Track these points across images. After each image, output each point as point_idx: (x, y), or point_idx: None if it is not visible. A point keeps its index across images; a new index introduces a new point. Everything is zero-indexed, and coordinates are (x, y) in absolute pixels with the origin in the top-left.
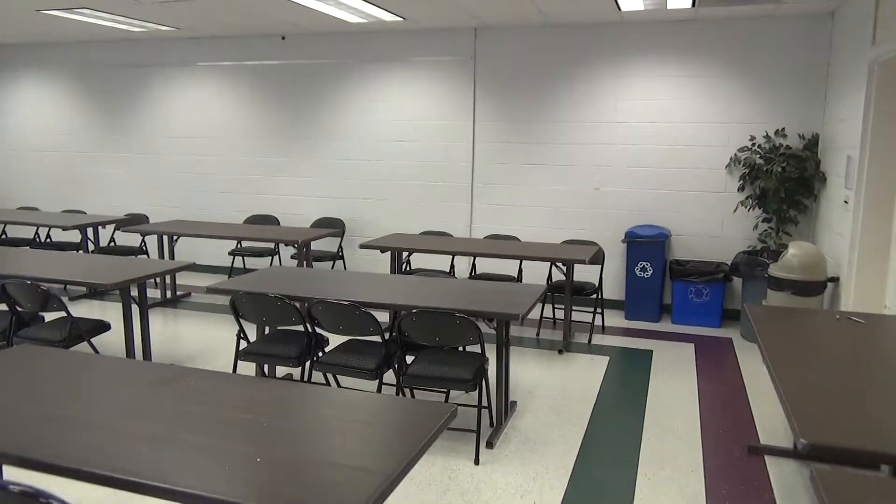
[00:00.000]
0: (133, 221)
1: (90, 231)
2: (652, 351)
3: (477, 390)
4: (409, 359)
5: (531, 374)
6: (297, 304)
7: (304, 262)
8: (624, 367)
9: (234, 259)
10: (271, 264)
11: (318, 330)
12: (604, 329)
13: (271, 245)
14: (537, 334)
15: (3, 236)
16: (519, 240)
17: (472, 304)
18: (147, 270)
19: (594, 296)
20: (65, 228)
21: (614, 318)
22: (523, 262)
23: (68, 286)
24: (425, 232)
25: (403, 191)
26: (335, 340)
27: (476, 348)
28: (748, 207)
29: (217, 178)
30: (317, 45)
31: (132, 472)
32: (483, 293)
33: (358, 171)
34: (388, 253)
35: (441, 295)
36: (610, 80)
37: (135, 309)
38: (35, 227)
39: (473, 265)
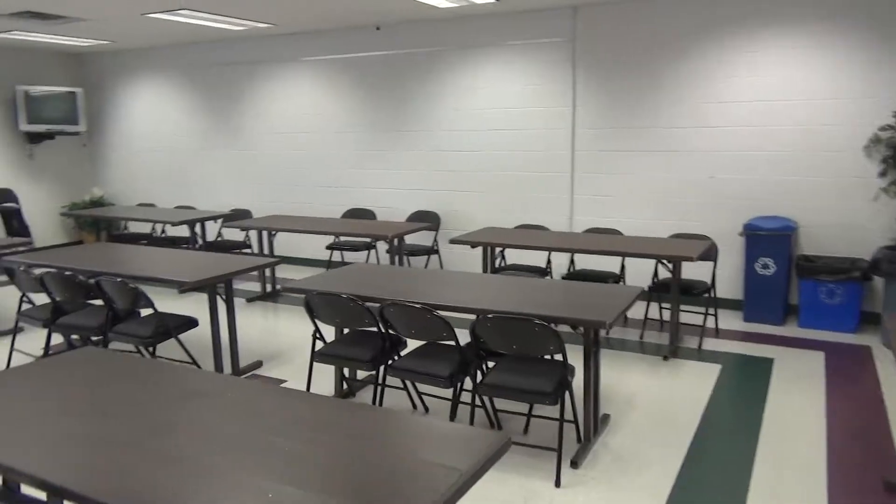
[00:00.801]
0: (237, 217)
1: (198, 226)
2: (773, 359)
3: (559, 403)
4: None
5: (631, 381)
6: (371, 305)
7: (397, 258)
8: (738, 377)
9: (331, 253)
10: (367, 259)
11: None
12: (717, 333)
13: (368, 239)
14: (641, 337)
15: (125, 231)
16: (621, 234)
17: (558, 308)
18: (233, 267)
19: (706, 295)
20: (173, 224)
21: (730, 321)
22: (626, 258)
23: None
24: (521, 225)
25: (500, 182)
26: (415, 343)
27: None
28: (891, 195)
29: (316, 173)
30: (410, 33)
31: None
32: (573, 295)
33: (453, 162)
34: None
35: (525, 297)
36: (725, 54)
37: (236, 302)
38: (151, 223)
39: (572, 261)
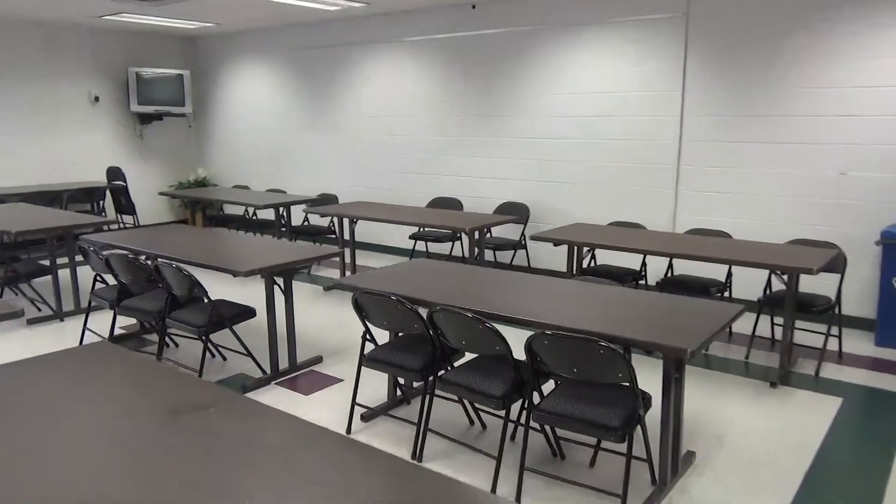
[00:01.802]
0: (323, 202)
1: (284, 211)
2: None
3: (627, 441)
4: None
5: (726, 411)
6: (422, 309)
7: (477, 252)
8: (864, 412)
9: (415, 243)
10: (451, 251)
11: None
12: (840, 357)
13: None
14: (746, 357)
15: (221, 213)
16: (730, 237)
17: (635, 326)
18: (293, 256)
19: (829, 312)
20: (258, 208)
21: (857, 344)
22: (733, 265)
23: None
24: (615, 223)
25: (596, 174)
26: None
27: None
28: None
29: (404, 159)
30: (507, 12)
31: None
32: (659, 310)
33: (546, 150)
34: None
35: (601, 310)
36: (866, 30)
37: (312, 291)
38: (243, 206)
39: (670, 265)
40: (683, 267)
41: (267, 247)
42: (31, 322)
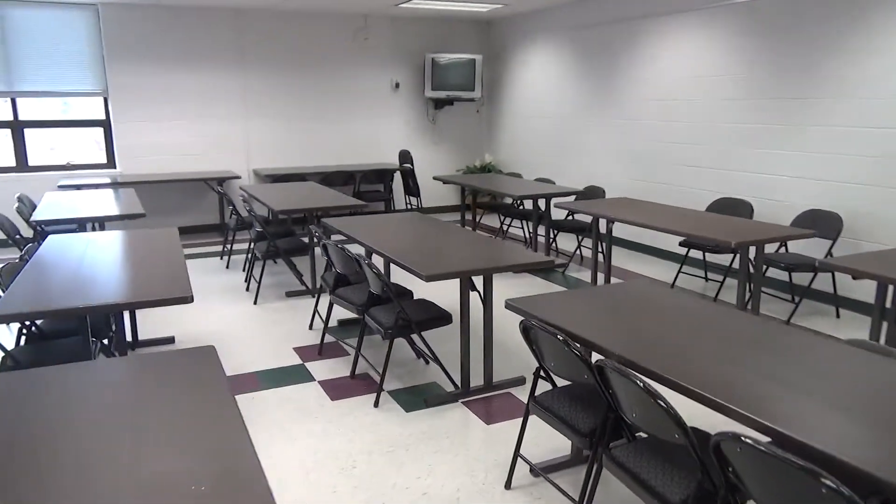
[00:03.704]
0: (588, 195)
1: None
2: None
3: None
4: None
5: None
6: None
7: (748, 276)
8: None
9: (687, 251)
10: (731, 264)
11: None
12: None
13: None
14: None
15: (493, 200)
16: None
17: None
18: (497, 262)
19: None
20: (514, 198)
21: None
22: None
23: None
24: None
25: None
26: None
27: None
28: None
29: (686, 150)
30: None
31: None
32: None
33: (874, 143)
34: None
35: (871, 411)
36: None
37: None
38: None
39: None
40: None
41: (473, 246)
42: (290, 295)
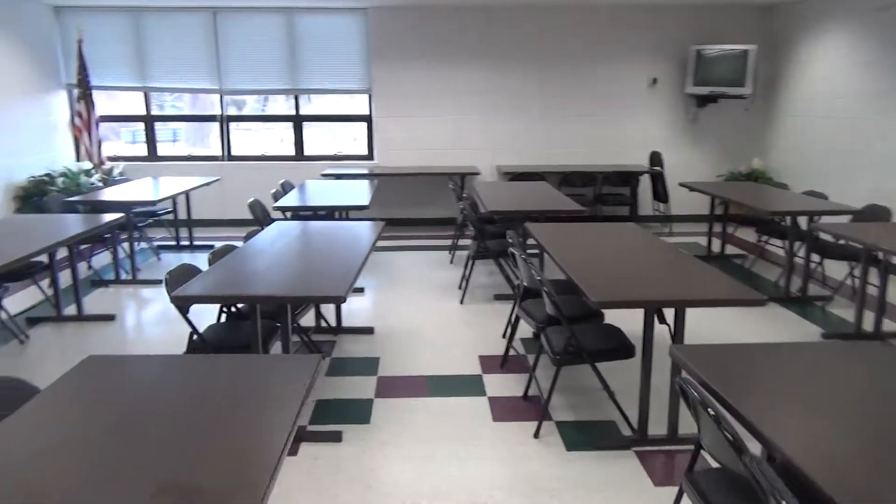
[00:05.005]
0: (868, 216)
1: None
2: None
3: None
4: None
5: None
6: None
7: None
8: None
9: None
10: None
11: None
12: None
13: None
14: None
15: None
16: None
17: None
18: (669, 293)
19: None
20: (767, 213)
21: None
22: None
23: None
24: None
25: None
26: None
27: None
28: None
29: None
30: None
31: None
32: None
33: None
34: None
35: None
36: None
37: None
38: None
39: None
40: None
41: (675, 267)
42: (497, 298)
